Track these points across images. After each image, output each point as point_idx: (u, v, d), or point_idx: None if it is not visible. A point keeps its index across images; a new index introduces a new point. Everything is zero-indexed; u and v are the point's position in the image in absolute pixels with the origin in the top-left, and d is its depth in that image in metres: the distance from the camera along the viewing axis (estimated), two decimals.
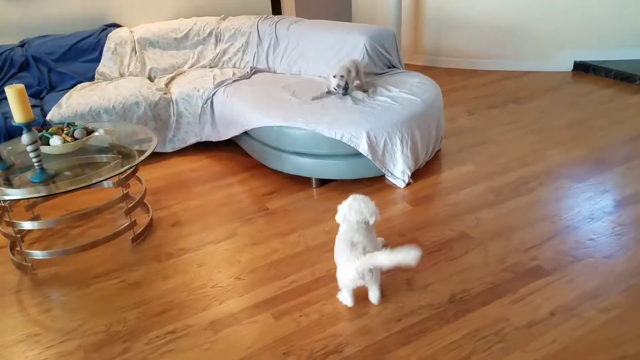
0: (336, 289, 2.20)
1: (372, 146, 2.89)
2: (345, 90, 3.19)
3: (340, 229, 2.22)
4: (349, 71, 3.20)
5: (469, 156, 3.39)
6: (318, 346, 1.95)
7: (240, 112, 3.31)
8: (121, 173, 2.51)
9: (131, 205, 2.68)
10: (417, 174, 3.15)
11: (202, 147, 3.77)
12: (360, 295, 2.15)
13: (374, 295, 2.12)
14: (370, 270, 2.00)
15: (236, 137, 3.49)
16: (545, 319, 1.99)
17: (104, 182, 2.82)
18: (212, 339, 2.03)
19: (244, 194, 3.15)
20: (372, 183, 3.10)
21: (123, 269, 2.49)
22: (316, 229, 2.68)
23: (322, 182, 3.14)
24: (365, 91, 3.29)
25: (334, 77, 3.17)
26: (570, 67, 5.01)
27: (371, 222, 2.16)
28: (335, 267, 2.17)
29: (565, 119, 3.86)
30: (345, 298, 2.11)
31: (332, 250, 2.34)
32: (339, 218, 2.22)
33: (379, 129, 2.89)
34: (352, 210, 2.15)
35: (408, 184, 3.04)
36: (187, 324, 2.12)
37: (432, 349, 1.90)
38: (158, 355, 1.97)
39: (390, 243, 2.51)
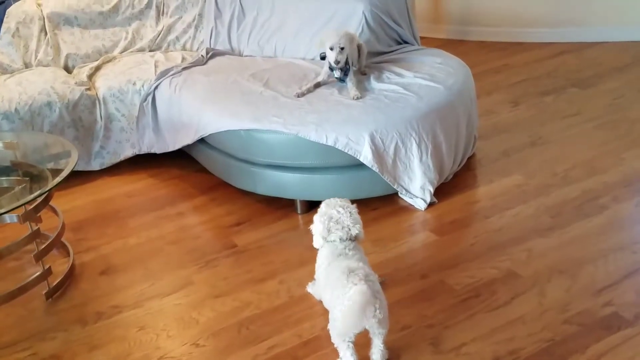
0: (332, 355, 2.18)
1: (378, 154, 2.92)
2: (346, 74, 3.18)
3: (322, 255, 2.25)
4: (351, 41, 3.15)
5: (515, 163, 3.42)
6: None
7: (194, 112, 3.33)
8: (29, 202, 2.51)
9: (44, 246, 2.67)
10: (442, 190, 3.17)
11: (142, 163, 3.78)
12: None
13: (377, 351, 2.11)
14: (375, 305, 1.97)
15: (189, 146, 3.50)
16: None
17: (5, 215, 2.74)
18: None
19: (202, 226, 3.16)
20: (380, 205, 3.12)
21: (34, 337, 2.48)
22: (303, 271, 2.69)
23: (311, 206, 3.14)
24: (364, 74, 3.32)
25: (331, 48, 3.11)
26: None
27: (353, 233, 2.21)
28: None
29: None
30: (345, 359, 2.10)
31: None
32: (317, 242, 2.26)
33: (387, 129, 2.92)
34: (330, 223, 2.20)
35: (431, 205, 3.07)
36: None
37: None
38: None
39: (410, 289, 2.53)
